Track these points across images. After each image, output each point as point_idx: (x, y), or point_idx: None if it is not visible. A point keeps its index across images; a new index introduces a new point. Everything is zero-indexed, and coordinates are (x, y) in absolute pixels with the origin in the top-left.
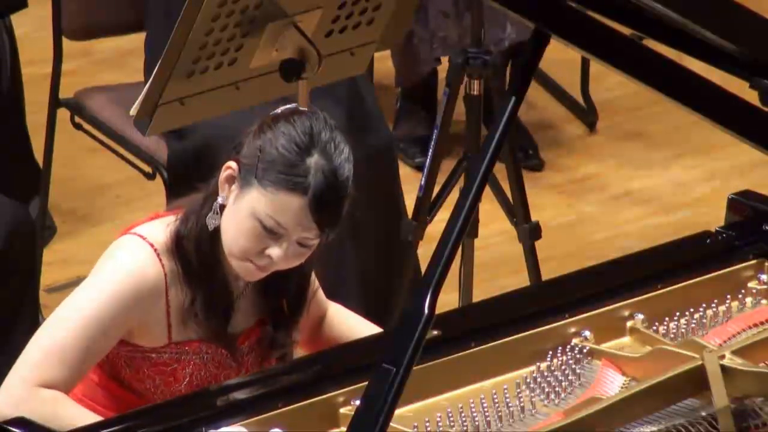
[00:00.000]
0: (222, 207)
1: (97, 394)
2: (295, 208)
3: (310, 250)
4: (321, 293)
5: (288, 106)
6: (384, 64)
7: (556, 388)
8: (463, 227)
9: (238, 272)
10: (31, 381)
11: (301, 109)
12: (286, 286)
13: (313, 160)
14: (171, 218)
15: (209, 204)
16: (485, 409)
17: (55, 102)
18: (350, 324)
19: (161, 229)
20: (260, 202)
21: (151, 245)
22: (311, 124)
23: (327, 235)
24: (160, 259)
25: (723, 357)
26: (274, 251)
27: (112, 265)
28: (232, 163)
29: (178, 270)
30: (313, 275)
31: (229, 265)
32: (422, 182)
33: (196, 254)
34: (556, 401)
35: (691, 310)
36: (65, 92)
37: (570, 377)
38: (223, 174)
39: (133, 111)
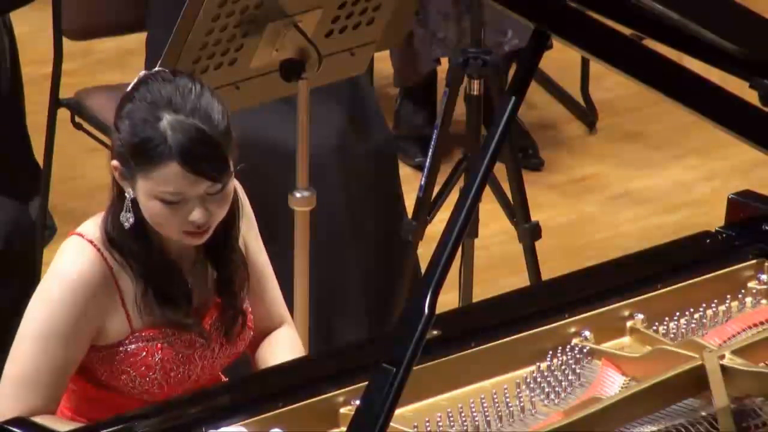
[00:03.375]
0: (134, 201)
1: (82, 405)
2: (174, 174)
3: (228, 190)
4: (273, 285)
5: (133, 81)
6: (384, 64)
7: (556, 388)
8: (463, 227)
9: (185, 243)
10: (13, 415)
11: (139, 78)
12: (215, 234)
13: (164, 122)
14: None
15: (120, 203)
16: (485, 409)
17: (55, 102)
18: (274, 351)
19: (97, 224)
20: (148, 185)
21: (91, 242)
22: (147, 89)
23: (223, 180)
24: (102, 254)
25: (723, 357)
26: (194, 215)
27: (57, 274)
28: (114, 162)
29: (122, 262)
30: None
31: (168, 248)
32: (422, 182)
33: (127, 249)
34: (556, 401)
35: (691, 310)
36: (65, 92)
37: (570, 377)
38: (115, 175)
39: None
